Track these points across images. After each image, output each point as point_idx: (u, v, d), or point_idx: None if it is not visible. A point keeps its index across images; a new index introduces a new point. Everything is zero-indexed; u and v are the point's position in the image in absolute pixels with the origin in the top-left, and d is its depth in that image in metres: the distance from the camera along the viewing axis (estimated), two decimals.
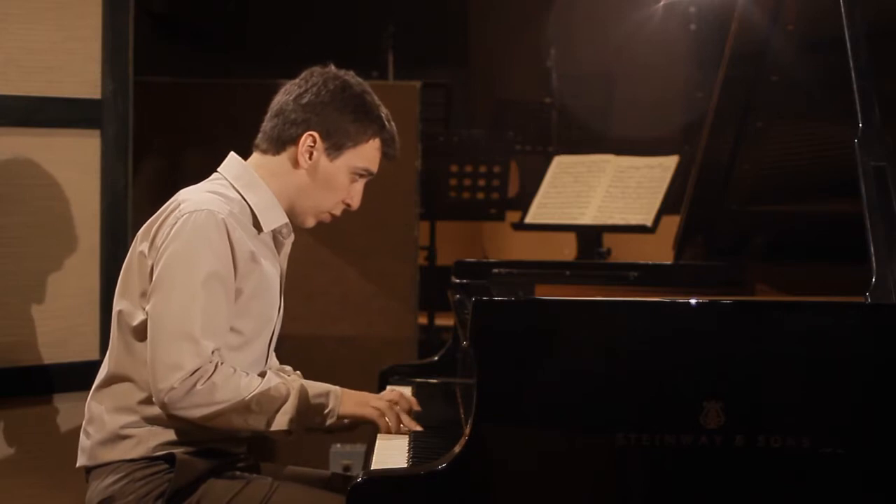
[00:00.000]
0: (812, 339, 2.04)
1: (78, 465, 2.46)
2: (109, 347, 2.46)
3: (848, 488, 2.03)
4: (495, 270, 3.26)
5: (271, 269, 2.46)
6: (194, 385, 2.27)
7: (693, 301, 2.11)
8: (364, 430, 2.54)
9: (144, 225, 2.42)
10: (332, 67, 2.51)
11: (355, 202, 2.50)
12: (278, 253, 2.51)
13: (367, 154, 2.47)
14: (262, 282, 2.42)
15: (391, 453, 2.35)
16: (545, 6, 6.94)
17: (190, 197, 2.39)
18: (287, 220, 2.48)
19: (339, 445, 4.42)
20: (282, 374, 2.54)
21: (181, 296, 2.30)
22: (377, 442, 2.45)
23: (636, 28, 5.87)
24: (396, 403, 2.49)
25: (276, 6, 7.18)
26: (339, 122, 2.43)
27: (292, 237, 2.53)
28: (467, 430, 2.03)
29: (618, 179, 4.33)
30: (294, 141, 2.44)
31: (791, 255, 3.07)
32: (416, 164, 4.58)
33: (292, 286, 4.70)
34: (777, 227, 3.20)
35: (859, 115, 2.24)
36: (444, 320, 5.24)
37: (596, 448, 2.02)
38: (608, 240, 4.36)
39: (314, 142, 2.43)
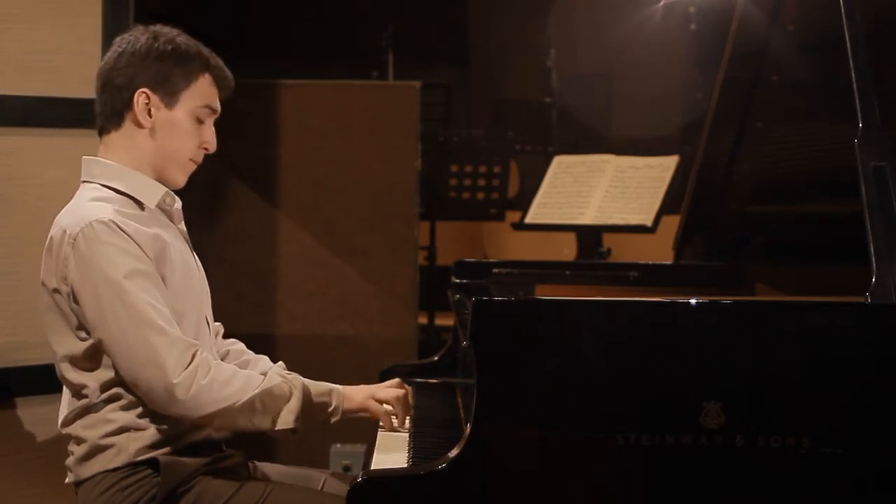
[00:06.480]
0: (812, 339, 2.04)
1: (66, 482, 2.46)
2: (64, 393, 2.44)
3: (848, 488, 2.03)
4: (495, 270, 3.26)
5: (176, 240, 2.45)
6: (195, 376, 2.27)
7: (693, 301, 2.11)
8: (364, 430, 2.54)
9: (42, 267, 2.39)
10: (140, 26, 2.50)
11: (211, 144, 2.49)
12: (173, 222, 2.50)
13: (203, 92, 2.46)
14: (175, 257, 2.41)
15: (391, 453, 2.35)
16: (545, 6, 6.94)
17: (70, 219, 2.36)
18: (165, 189, 2.47)
19: (339, 445, 4.42)
20: (282, 374, 2.54)
21: (121, 307, 2.28)
22: (377, 442, 2.45)
23: (636, 28, 5.86)
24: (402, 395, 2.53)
25: (276, 6, 7.17)
26: (163, 70, 2.43)
27: (179, 202, 2.51)
28: (467, 430, 2.03)
29: (618, 179, 4.33)
30: (129, 105, 2.43)
31: (791, 255, 3.07)
32: (416, 164, 4.58)
33: (292, 286, 4.75)
34: (777, 227, 3.20)
35: (859, 115, 2.24)
36: (444, 320, 5.24)
37: (596, 448, 2.02)
38: (608, 240, 4.36)
39: (148, 98, 2.42)
